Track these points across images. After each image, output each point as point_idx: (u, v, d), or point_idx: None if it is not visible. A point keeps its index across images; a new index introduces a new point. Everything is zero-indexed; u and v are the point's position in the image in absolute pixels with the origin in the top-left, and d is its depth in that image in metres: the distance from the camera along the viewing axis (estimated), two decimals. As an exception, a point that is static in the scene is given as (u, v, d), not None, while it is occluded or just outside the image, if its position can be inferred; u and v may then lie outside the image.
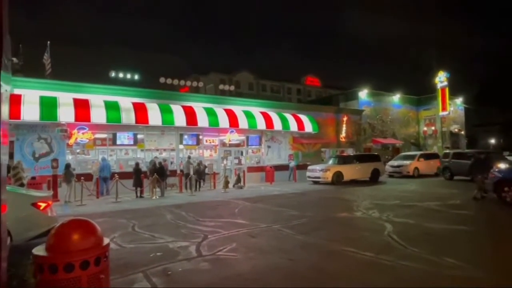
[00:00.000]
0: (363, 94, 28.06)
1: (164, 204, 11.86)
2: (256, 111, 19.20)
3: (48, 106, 13.07)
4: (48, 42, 15.65)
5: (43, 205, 6.04)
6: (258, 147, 20.97)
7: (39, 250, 2.71)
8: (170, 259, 5.36)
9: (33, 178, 13.21)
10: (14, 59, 14.33)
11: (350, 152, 24.68)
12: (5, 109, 2.40)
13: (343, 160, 18.67)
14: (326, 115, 24.51)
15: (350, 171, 17.88)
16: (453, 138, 31.83)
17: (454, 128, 32.01)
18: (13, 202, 5.86)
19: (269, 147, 21.01)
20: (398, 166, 21.11)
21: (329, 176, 17.22)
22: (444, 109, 29.36)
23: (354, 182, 17.76)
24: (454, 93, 31.38)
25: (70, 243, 2.69)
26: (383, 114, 29.36)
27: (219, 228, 7.57)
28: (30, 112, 12.64)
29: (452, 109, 31.12)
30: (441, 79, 29.34)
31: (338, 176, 17.34)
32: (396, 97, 30.68)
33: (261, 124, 18.64)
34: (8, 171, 10.84)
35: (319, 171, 17.68)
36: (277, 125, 19.25)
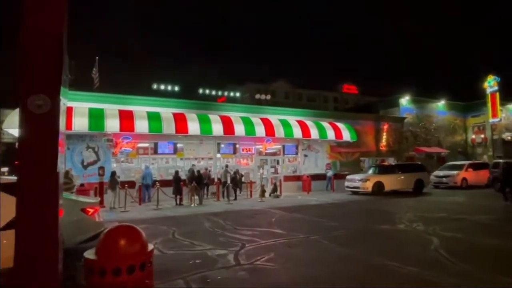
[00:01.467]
0: (405, 100, 27.02)
1: (202, 212, 12.09)
2: (292, 120, 19.13)
3: (96, 117, 13.94)
4: (97, 57, 16.82)
5: (91, 210, 6.38)
6: (294, 156, 20.82)
7: (90, 254, 2.86)
8: (209, 266, 5.43)
9: (82, 185, 14.04)
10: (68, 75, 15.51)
11: (391, 161, 23.73)
12: (63, 121, 2.59)
13: (384, 169, 17.98)
14: (365, 123, 23.83)
15: (391, 181, 17.16)
16: (505, 147, 29.54)
17: (507, 136, 29.74)
18: (65, 207, 6.28)
19: (305, 156, 20.78)
20: (444, 177, 19.94)
21: (369, 186, 16.64)
22: (494, 115, 27.45)
23: (395, 193, 17.00)
24: (506, 98, 29.24)
25: (118, 248, 2.81)
26: (427, 121, 28.02)
27: (257, 237, 7.56)
28: (80, 123, 13.55)
29: (504, 115, 29.01)
30: (490, 83, 27.54)
31: (378, 186, 16.70)
32: (441, 104, 29.18)
33: (297, 133, 18.53)
34: None
35: (358, 180, 17.16)
36: (314, 133, 19.03)
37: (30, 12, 2.05)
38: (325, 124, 19.77)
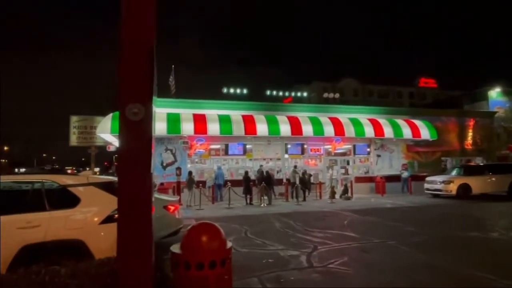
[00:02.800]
0: (495, 93, 24.01)
1: (272, 212, 12.23)
2: (363, 118, 18.30)
3: (173, 122, 15.04)
4: (173, 66, 18.16)
5: (172, 208, 6.90)
6: (366, 156, 19.89)
7: (176, 248, 3.09)
8: (281, 266, 5.47)
9: (162, 184, 15.29)
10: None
11: (478, 161, 21.25)
12: (153, 125, 2.84)
13: (471, 170, 16.19)
14: (447, 119, 21.71)
15: (480, 184, 15.38)
16: None
17: None
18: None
19: (378, 156, 19.70)
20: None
21: (453, 188, 15.14)
22: None
23: (485, 197, 15.18)
24: None
25: (200, 243, 3.00)
26: (523, 115, 24.48)
27: (329, 239, 7.40)
28: (160, 127, 14.73)
29: None
30: None
31: (464, 189, 15.09)
32: (541, 95, 25.25)
33: (369, 132, 17.67)
34: None
35: (440, 182, 15.71)
36: (388, 132, 17.95)
37: (126, 27, 2.30)
38: (400, 122, 18.52)
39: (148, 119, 2.30)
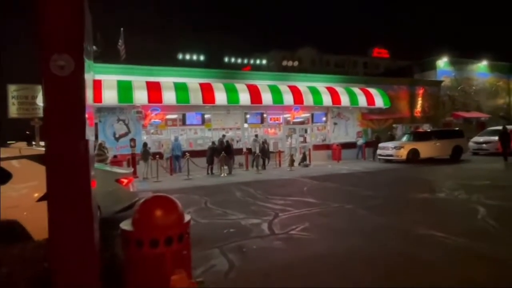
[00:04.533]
0: (442, 62, 25.21)
1: (233, 181, 12.11)
2: (321, 86, 18.41)
3: (125, 90, 14.00)
4: (122, 29, 16.67)
5: (125, 181, 6.44)
6: (323, 124, 20.27)
7: (126, 225, 2.76)
8: (243, 236, 5.36)
9: (115, 156, 14.42)
10: (94, 47, 15.53)
11: (426, 128, 22.58)
12: (90, 92, 2.40)
13: (419, 136, 17.13)
14: (399, 88, 22.58)
15: (427, 149, 16.37)
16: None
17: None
18: (100, 178, 6.34)
19: (335, 124, 20.17)
20: (484, 143, 18.76)
21: (403, 153, 15.97)
22: (544, 75, 25.12)
23: (432, 161, 16.24)
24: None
25: (154, 219, 2.70)
26: (466, 84, 26.18)
27: (289, 206, 7.42)
28: (110, 95, 13.66)
29: (554, 74, 26.51)
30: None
31: (413, 154, 15.98)
32: (482, 65, 27.03)
33: (327, 100, 17.87)
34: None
35: (392, 148, 16.50)
36: (345, 100, 18.28)
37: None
38: (356, 90, 18.90)
39: (79, 74, 1.87)
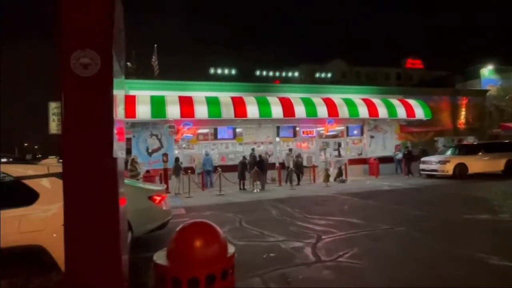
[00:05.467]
0: (487, 71, 23.59)
1: (266, 198, 11.57)
2: (357, 98, 17.64)
3: (158, 105, 14.03)
4: (155, 45, 16.94)
5: (158, 198, 6.10)
6: (359, 138, 19.36)
7: (160, 258, 2.32)
8: (285, 262, 4.79)
9: (148, 171, 14.39)
10: (129, 64, 15.83)
11: (470, 140, 21.00)
12: (121, 109, 2.01)
13: (467, 149, 15.82)
14: (439, 99, 21.28)
15: (476, 163, 15.04)
16: None
17: None
18: (132, 196, 6.04)
19: (372, 137, 19.19)
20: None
21: (449, 168, 14.77)
22: None
23: (481, 177, 14.86)
24: None
25: (193, 252, 2.24)
26: (514, 93, 24.26)
27: (332, 227, 6.77)
28: (143, 110, 13.72)
29: None
30: None
31: (461, 169, 14.74)
32: (532, 72, 25.00)
33: (363, 112, 17.05)
34: (126, 166, 11.92)
35: (436, 163, 15.33)
36: (382, 112, 17.37)
37: None
38: (394, 101, 17.95)
39: (107, 74, 1.47)
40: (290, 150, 16.25)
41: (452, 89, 22.95)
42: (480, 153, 15.41)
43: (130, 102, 13.65)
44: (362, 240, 5.85)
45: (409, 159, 17.12)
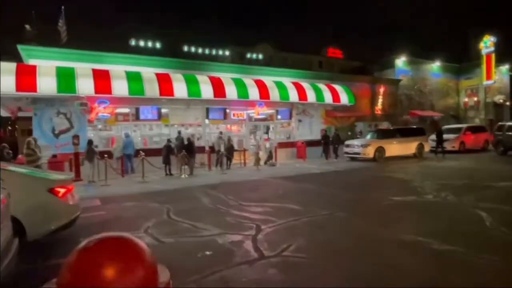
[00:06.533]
0: (401, 62, 25.72)
1: (196, 184, 10.70)
2: (287, 81, 17.53)
3: (65, 78, 11.89)
4: (63, 7, 14.27)
5: (62, 190, 4.86)
6: (288, 121, 19.46)
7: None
8: (224, 261, 4.11)
9: (54, 156, 12.26)
10: (27, 27, 13.11)
11: (385, 125, 22.80)
12: None
13: (385, 134, 16.94)
14: (361, 86, 22.55)
15: (393, 147, 16.21)
16: (497, 110, 29.24)
17: (499, 99, 29.33)
18: (26, 188, 4.71)
19: (300, 121, 19.44)
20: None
21: (370, 152, 15.63)
22: (489, 77, 26.74)
23: (397, 159, 16.10)
24: (500, 60, 28.45)
25: (102, 284, 1.36)
26: (421, 84, 27.05)
27: (271, 215, 6.28)
28: (47, 84, 11.49)
29: (498, 77, 28.35)
30: (486, 44, 26.55)
31: (380, 152, 15.73)
32: (436, 65, 28.11)
33: (293, 96, 17.03)
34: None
35: (358, 146, 16.10)
36: (311, 96, 17.59)
37: None
38: (322, 86, 18.32)
39: None
40: (221, 133, 15.48)
41: (372, 77, 24.52)
42: (396, 138, 16.65)
43: (29, 72, 11.29)
44: (304, 228, 5.46)
45: (336, 143, 17.73)
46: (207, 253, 4.47)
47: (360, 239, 4.92)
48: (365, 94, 22.94)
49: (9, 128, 34.94)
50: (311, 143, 18.84)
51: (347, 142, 17.16)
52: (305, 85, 17.81)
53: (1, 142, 11.23)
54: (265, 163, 15.80)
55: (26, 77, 11.13)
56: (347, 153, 16.73)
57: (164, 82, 13.73)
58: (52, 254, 4.43)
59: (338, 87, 18.88)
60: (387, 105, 23.98)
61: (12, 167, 5.09)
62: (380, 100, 23.52)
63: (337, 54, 79.24)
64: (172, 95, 13.86)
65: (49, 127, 12.99)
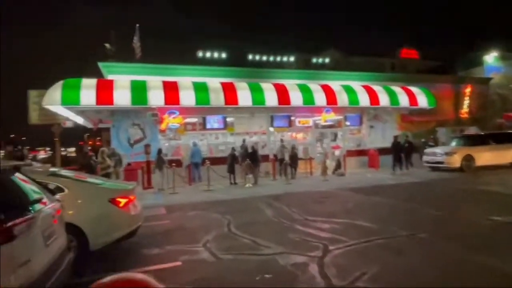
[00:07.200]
0: (491, 58, 22.54)
1: (260, 194, 10.34)
2: (356, 85, 16.41)
3: (138, 90, 12.60)
4: (137, 25, 15.36)
5: (123, 201, 4.82)
6: (358, 128, 18.20)
7: None
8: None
9: (129, 164, 13.06)
10: (107, 45, 14.31)
11: (473, 130, 20.01)
12: None
13: (474, 140, 14.75)
14: (442, 87, 20.18)
15: (484, 155, 13.99)
16: None
17: None
18: (89, 198, 4.77)
19: (371, 127, 18.04)
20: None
21: (456, 161, 13.70)
22: None
23: (489, 169, 13.82)
24: None
25: None
26: (518, 82, 23.30)
27: (339, 233, 5.57)
28: (121, 96, 12.29)
29: None
30: None
31: (468, 160, 13.69)
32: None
33: (364, 100, 15.84)
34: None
35: (441, 154, 14.24)
36: (384, 100, 16.17)
37: None
38: (396, 89, 16.77)
39: None
40: (282, 141, 15.04)
41: (455, 76, 21.88)
42: (487, 144, 14.37)
43: (107, 87, 12.21)
44: (379, 252, 4.66)
45: (410, 151, 15.95)
46: (267, 276, 3.98)
47: (452, 269, 3.98)
48: (447, 96, 20.47)
49: (98, 138, 39.09)
50: (384, 151, 17.28)
51: (427, 150, 15.37)
52: (377, 88, 16.47)
53: (88, 151, 12.29)
54: (333, 172, 14.86)
55: (104, 91, 12.03)
56: (427, 162, 14.95)
57: (229, 91, 13.80)
58: (116, 267, 4.37)
59: (415, 89, 17.12)
60: (474, 108, 21.10)
61: (76, 177, 5.23)
62: (466, 102, 20.80)
63: (411, 54, 73.56)
64: (237, 103, 13.85)
65: (125, 137, 13.89)
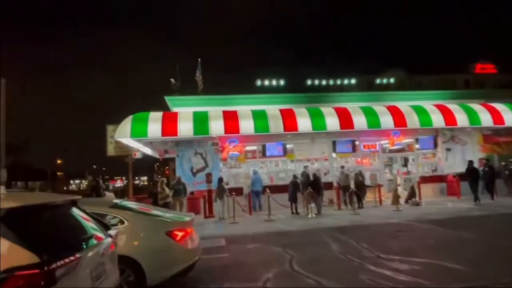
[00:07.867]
0: None
1: (324, 225, 9.61)
2: (428, 105, 15.03)
3: (200, 121, 13.00)
4: (199, 59, 16.18)
5: (180, 234, 4.65)
6: (432, 151, 16.48)
7: None
8: None
9: (192, 193, 13.30)
10: (172, 80, 15.20)
11: None
12: None
13: None
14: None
15: None
16: None
17: None
18: (147, 230, 4.68)
19: (448, 150, 16.19)
20: None
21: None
22: None
23: None
24: None
25: None
26: None
27: (422, 277, 4.70)
28: (185, 127, 12.76)
29: None
30: None
31: None
32: None
33: (437, 121, 14.37)
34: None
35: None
36: (461, 119, 14.50)
37: None
38: (476, 107, 14.98)
39: None
40: (342, 167, 14.12)
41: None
42: None
43: (172, 119, 12.81)
44: (479, 306, 3.76)
45: (490, 177, 13.64)
46: (336, 329, 3.38)
47: None
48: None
49: (166, 167, 41.50)
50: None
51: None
52: (453, 106, 14.90)
53: (157, 181, 12.85)
54: (406, 201, 13.43)
55: (169, 123, 12.62)
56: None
57: (288, 118, 13.56)
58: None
59: (499, 106, 15.13)
60: None
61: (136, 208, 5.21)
62: None
63: (488, 69, 67.13)
64: (296, 129, 13.50)
65: (188, 166, 14.27)
